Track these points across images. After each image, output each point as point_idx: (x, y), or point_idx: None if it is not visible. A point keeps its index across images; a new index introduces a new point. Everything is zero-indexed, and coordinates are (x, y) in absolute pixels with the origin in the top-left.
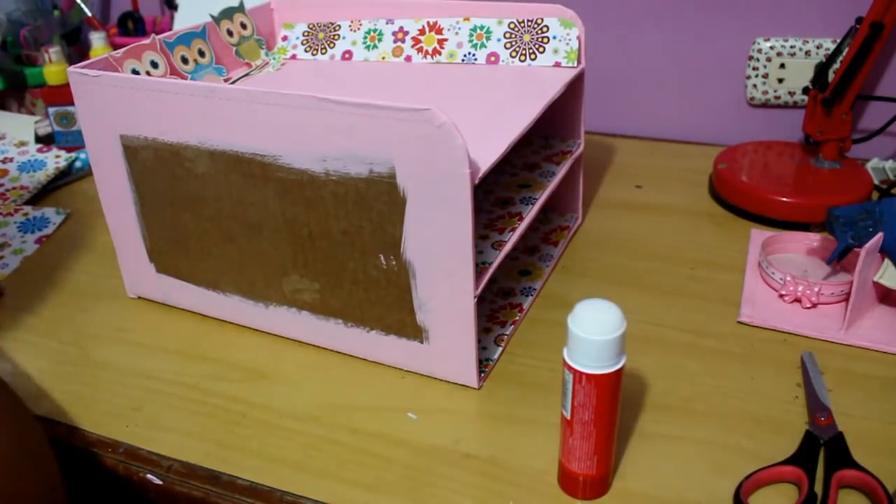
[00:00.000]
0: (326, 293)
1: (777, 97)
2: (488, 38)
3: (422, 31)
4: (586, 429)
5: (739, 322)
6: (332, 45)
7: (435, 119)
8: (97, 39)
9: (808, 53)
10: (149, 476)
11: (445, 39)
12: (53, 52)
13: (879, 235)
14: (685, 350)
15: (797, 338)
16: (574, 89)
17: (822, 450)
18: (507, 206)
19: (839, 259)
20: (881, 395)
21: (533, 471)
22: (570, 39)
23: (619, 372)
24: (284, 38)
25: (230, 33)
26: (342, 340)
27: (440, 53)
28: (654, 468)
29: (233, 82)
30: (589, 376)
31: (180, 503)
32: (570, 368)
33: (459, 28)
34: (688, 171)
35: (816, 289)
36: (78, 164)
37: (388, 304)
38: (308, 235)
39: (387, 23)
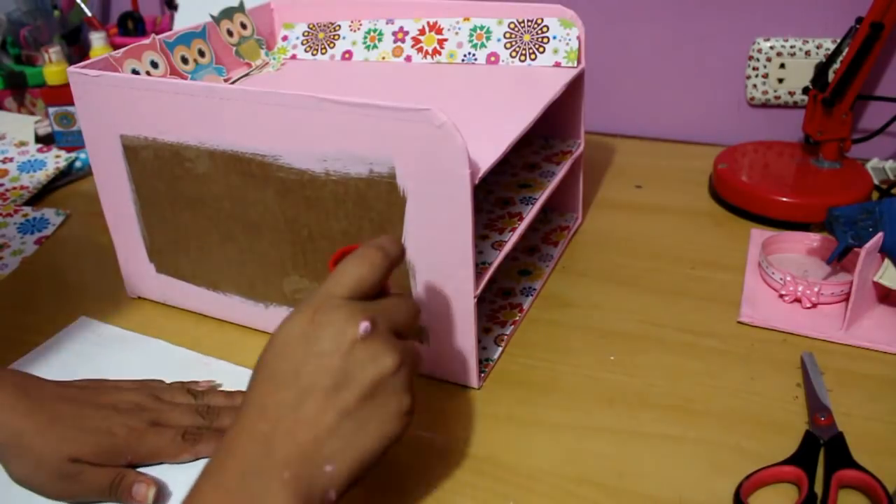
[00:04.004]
0: None
1: (777, 97)
2: (488, 38)
3: (422, 31)
4: None
5: (739, 322)
6: (332, 45)
7: (435, 119)
8: (97, 39)
9: (808, 53)
10: None
11: (445, 39)
12: (53, 52)
13: (879, 235)
14: (685, 350)
15: (797, 338)
16: (574, 89)
17: (822, 450)
18: (507, 206)
19: (839, 259)
20: (881, 395)
21: (533, 471)
22: (570, 39)
23: None
24: (284, 38)
25: (230, 33)
26: None
27: (440, 53)
28: (654, 468)
29: (233, 82)
30: None
31: None
32: None
33: (459, 28)
34: (688, 171)
35: (816, 289)
36: (78, 164)
37: None
38: (308, 235)
39: (387, 23)
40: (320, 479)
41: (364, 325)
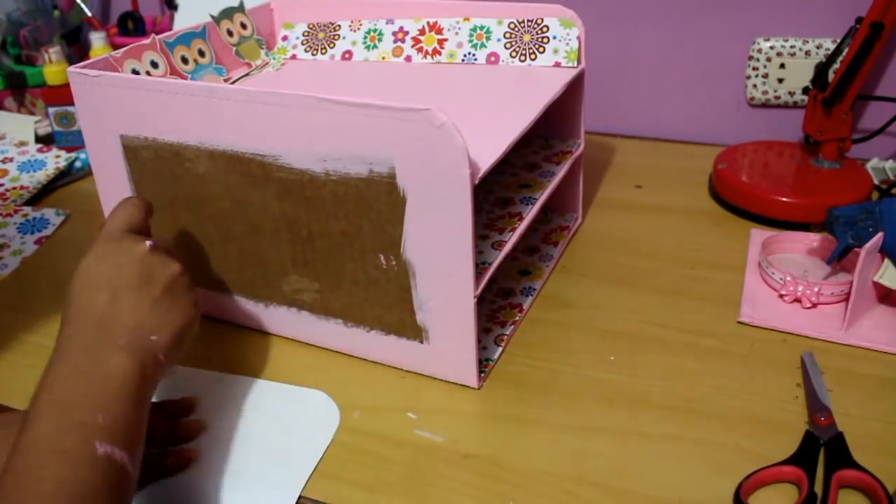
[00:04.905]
0: (326, 293)
1: (777, 97)
2: (488, 38)
3: (422, 31)
4: None
5: (739, 322)
6: (332, 45)
7: (435, 119)
8: (97, 39)
9: (808, 53)
10: None
11: (445, 39)
12: (53, 52)
13: (879, 235)
14: (685, 350)
15: (797, 338)
16: (574, 89)
17: (822, 450)
18: (507, 206)
19: (839, 259)
20: (881, 395)
21: (533, 471)
22: (570, 39)
23: None
24: (284, 38)
25: (230, 33)
26: (342, 340)
27: (440, 53)
28: (654, 468)
29: (233, 82)
30: None
31: None
32: None
33: (459, 28)
34: (688, 171)
35: (816, 289)
36: (78, 164)
37: (388, 304)
38: (308, 235)
39: (387, 23)
40: (149, 345)
41: (149, 242)
